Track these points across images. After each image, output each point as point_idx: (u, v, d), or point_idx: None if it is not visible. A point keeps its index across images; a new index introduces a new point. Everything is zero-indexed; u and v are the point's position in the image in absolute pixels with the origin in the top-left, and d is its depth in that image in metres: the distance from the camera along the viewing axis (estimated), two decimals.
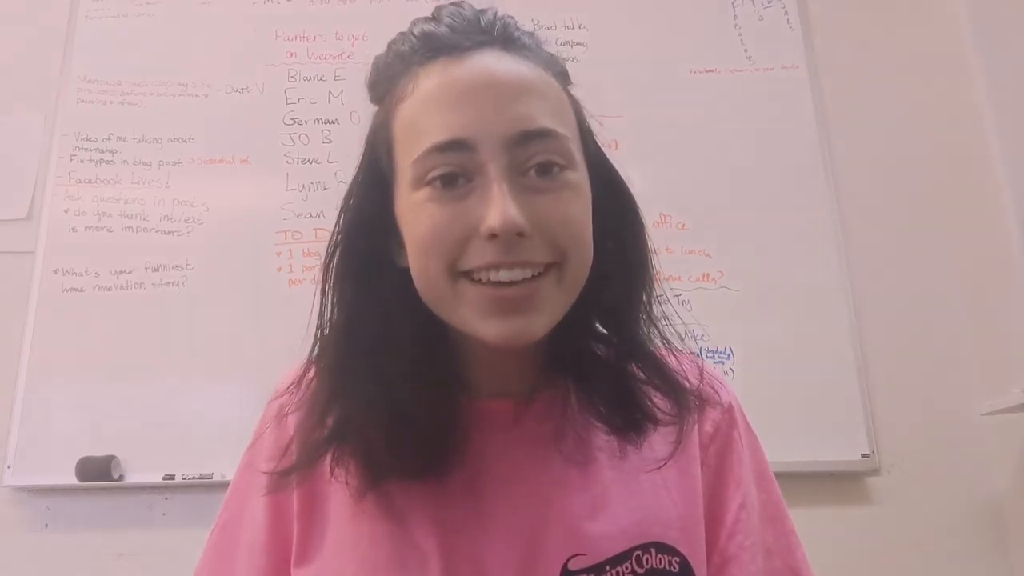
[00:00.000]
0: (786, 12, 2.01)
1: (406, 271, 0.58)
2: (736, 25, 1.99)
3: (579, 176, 0.57)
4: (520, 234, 0.52)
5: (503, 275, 0.53)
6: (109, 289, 1.76)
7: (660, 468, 0.60)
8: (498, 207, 0.51)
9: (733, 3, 2.01)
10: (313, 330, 0.61)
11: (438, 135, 0.53)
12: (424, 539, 0.56)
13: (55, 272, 1.76)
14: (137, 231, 1.80)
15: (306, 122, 1.89)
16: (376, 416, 0.56)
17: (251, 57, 1.94)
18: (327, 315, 0.60)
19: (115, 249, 1.78)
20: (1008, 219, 1.66)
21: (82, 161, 1.85)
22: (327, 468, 0.59)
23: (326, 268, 0.60)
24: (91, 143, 1.86)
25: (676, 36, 1.98)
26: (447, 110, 0.54)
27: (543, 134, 0.54)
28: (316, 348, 0.61)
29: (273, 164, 1.85)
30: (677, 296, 1.72)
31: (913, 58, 1.99)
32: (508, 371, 0.61)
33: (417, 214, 0.55)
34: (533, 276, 0.53)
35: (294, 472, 0.59)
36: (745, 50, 1.97)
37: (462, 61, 0.56)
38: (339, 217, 0.61)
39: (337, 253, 0.60)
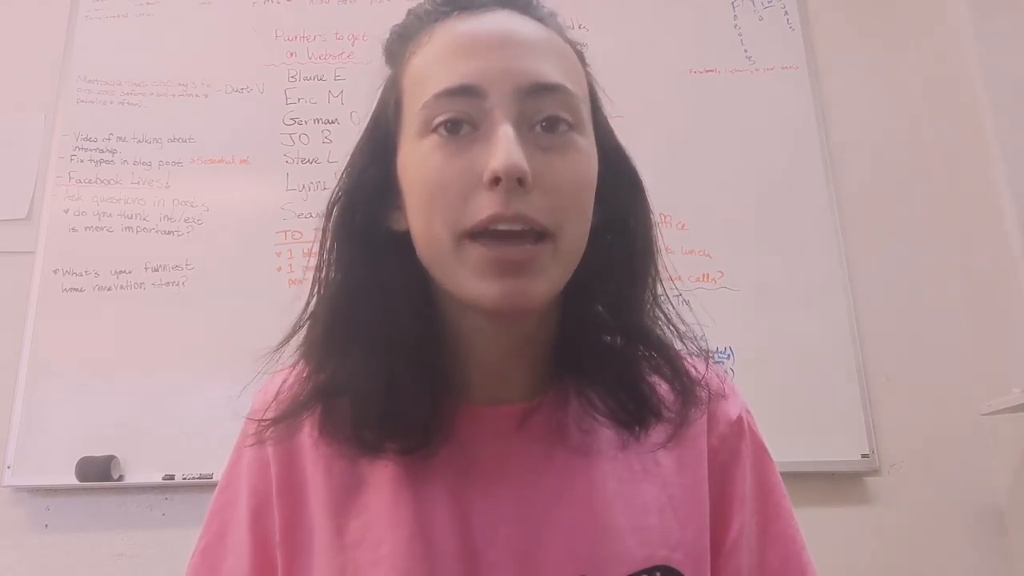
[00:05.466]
0: (786, 12, 2.01)
1: (404, 235, 0.56)
2: (736, 25, 1.99)
3: (587, 142, 0.56)
4: (521, 182, 0.50)
5: (502, 227, 0.51)
6: (109, 289, 1.75)
7: (667, 487, 0.58)
8: (502, 150, 0.49)
9: (733, 3, 2.01)
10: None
11: (448, 81, 0.52)
12: (413, 566, 0.54)
13: (55, 272, 1.76)
14: (137, 231, 1.80)
15: (306, 122, 1.89)
16: (367, 390, 0.55)
17: (251, 57, 1.93)
18: (324, 274, 0.59)
19: (115, 249, 1.78)
20: (1008, 219, 1.66)
21: (82, 161, 1.84)
22: (309, 490, 0.58)
23: (325, 225, 0.59)
24: (91, 143, 1.86)
25: (676, 36, 1.98)
26: (458, 58, 0.53)
27: (554, 88, 0.53)
28: (312, 305, 0.60)
29: (273, 164, 1.85)
30: (677, 296, 1.71)
31: (913, 58, 1.99)
32: (508, 375, 0.59)
33: (421, 163, 0.53)
34: (531, 242, 0.51)
35: (278, 423, 0.58)
36: (745, 50, 1.97)
37: (478, 15, 0.56)
38: (342, 174, 0.60)
39: (336, 210, 0.59)
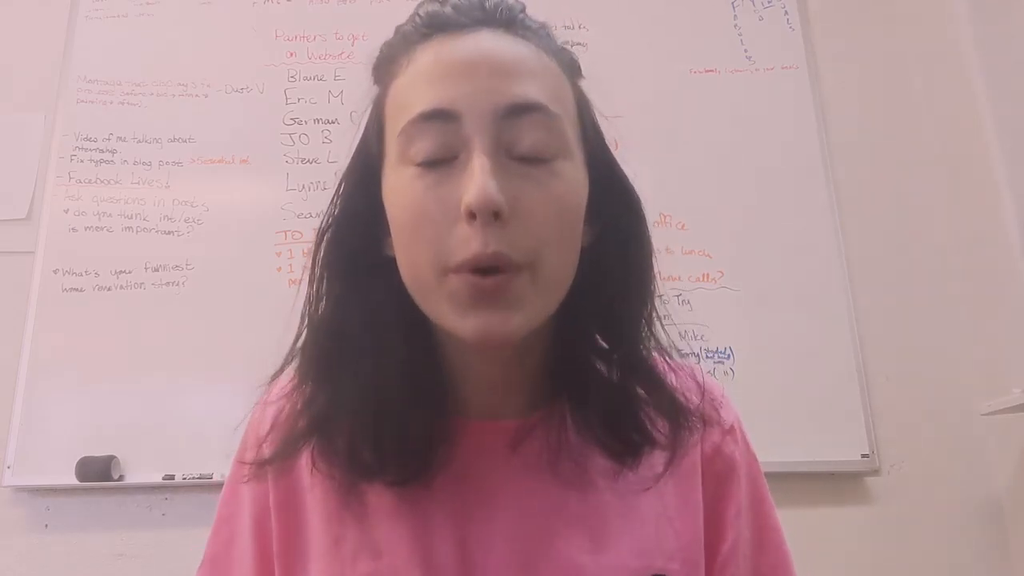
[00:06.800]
0: (786, 12, 2.01)
1: (393, 260, 0.56)
2: (736, 25, 1.99)
3: (572, 168, 0.54)
4: (498, 215, 0.49)
5: (482, 264, 0.50)
6: (109, 289, 1.75)
7: (662, 496, 0.58)
8: (476, 184, 0.48)
9: (733, 3, 2.01)
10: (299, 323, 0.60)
11: (423, 105, 0.52)
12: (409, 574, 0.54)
13: (55, 272, 1.76)
14: (137, 231, 1.80)
15: (306, 122, 1.89)
16: (361, 415, 0.55)
17: (251, 57, 1.93)
18: (313, 305, 0.59)
19: (115, 249, 1.78)
20: (1008, 219, 1.66)
21: (82, 161, 1.84)
22: (307, 501, 0.58)
23: (315, 255, 0.59)
24: (91, 143, 1.86)
25: (676, 36, 1.98)
26: (434, 82, 0.53)
27: (533, 108, 0.52)
28: (302, 337, 0.59)
29: (273, 164, 1.85)
30: (677, 296, 1.72)
31: (913, 58, 1.99)
32: (502, 392, 0.59)
33: (401, 194, 0.53)
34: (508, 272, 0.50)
35: (274, 462, 0.58)
36: (745, 50, 1.97)
37: (459, 38, 0.54)
38: (331, 202, 0.60)
39: (326, 240, 0.59)
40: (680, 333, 0.63)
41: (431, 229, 0.51)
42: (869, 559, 1.65)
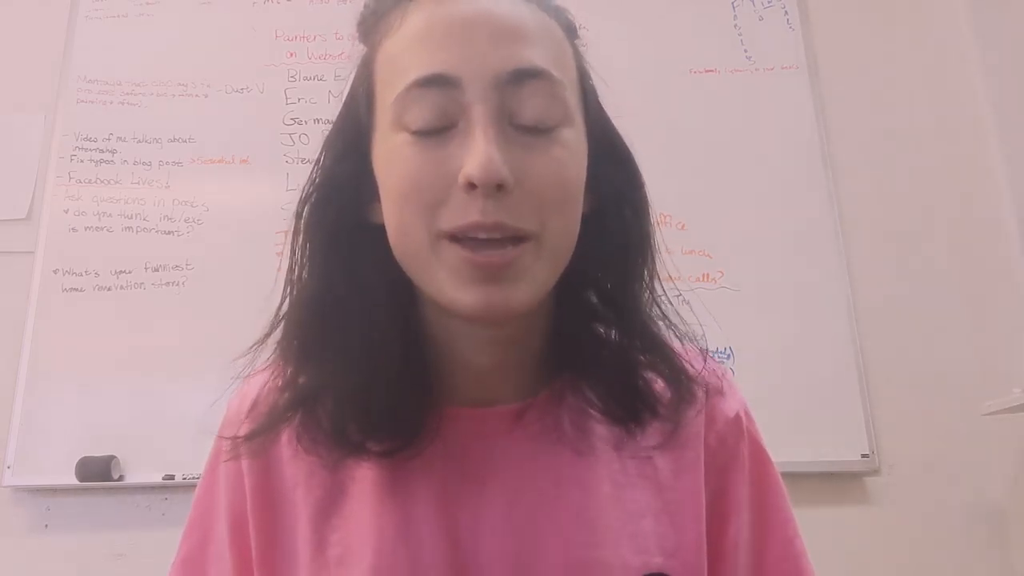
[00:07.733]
0: (786, 12, 2.01)
1: (382, 229, 0.53)
2: (736, 25, 1.99)
3: (575, 134, 0.52)
4: (501, 187, 0.47)
5: (481, 235, 0.48)
6: (109, 289, 1.76)
7: (663, 491, 0.56)
8: (479, 154, 0.46)
9: (733, 3, 2.01)
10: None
11: (420, 69, 0.49)
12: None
13: (55, 272, 1.76)
14: (137, 231, 1.80)
15: (306, 122, 1.89)
16: (348, 388, 0.52)
17: (251, 57, 1.94)
18: (296, 276, 0.57)
19: (115, 249, 1.78)
20: (1008, 219, 1.66)
21: (82, 161, 1.85)
22: (289, 503, 0.55)
23: (295, 225, 0.57)
24: (91, 143, 1.86)
25: (676, 36, 1.98)
26: (434, 45, 0.49)
27: (537, 74, 0.49)
28: (284, 307, 0.57)
29: (273, 164, 1.85)
30: (677, 296, 1.71)
31: (913, 58, 1.99)
32: (499, 377, 0.56)
33: (394, 160, 0.50)
34: (511, 244, 0.48)
35: (253, 437, 0.55)
36: (745, 50, 1.97)
37: None
38: (314, 167, 0.57)
39: (308, 207, 0.56)
40: (686, 330, 0.62)
41: (425, 196, 0.48)
42: (869, 559, 1.65)
